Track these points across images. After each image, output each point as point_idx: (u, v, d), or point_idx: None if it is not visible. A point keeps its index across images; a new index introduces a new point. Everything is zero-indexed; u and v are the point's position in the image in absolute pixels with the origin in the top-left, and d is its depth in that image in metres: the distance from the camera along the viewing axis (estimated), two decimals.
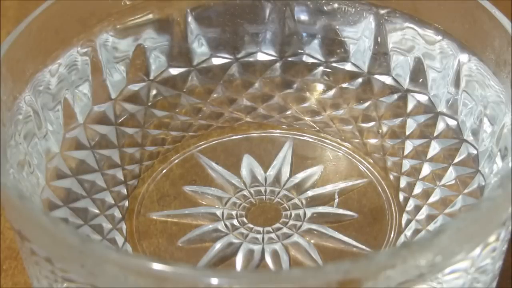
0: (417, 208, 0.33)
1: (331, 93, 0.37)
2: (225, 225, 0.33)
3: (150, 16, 0.36)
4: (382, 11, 0.36)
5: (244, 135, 0.37)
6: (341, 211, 0.33)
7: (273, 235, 0.32)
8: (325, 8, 0.37)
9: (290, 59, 0.38)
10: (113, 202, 0.34)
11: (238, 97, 0.38)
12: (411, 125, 0.36)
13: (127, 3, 0.36)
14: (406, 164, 0.35)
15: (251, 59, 0.38)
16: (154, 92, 0.37)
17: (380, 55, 0.36)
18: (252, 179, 0.35)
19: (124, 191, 0.34)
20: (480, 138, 0.32)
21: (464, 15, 0.32)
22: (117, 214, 0.33)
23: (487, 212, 0.23)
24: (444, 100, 0.35)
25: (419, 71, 0.35)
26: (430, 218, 0.32)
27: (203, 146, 0.37)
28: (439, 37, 0.34)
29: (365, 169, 0.35)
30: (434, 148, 0.34)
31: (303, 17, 0.38)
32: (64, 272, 0.25)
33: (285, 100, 0.38)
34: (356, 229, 0.33)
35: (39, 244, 0.25)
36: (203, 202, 0.34)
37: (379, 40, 0.36)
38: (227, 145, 0.37)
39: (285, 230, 0.33)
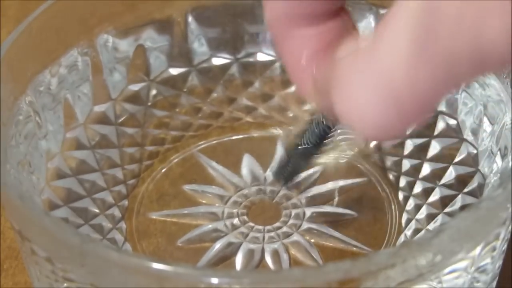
0: (417, 208, 0.33)
1: None
2: (225, 224, 0.33)
3: (150, 16, 0.36)
4: (382, 11, 0.36)
5: (244, 135, 0.37)
6: (341, 210, 0.33)
7: (273, 235, 0.33)
8: None
9: None
10: (113, 201, 0.34)
11: (238, 97, 0.38)
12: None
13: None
14: (406, 163, 0.35)
15: (251, 59, 0.38)
16: (154, 92, 0.37)
17: None
18: (253, 178, 0.35)
19: (124, 191, 0.34)
20: (480, 137, 0.32)
21: None
22: (117, 213, 0.33)
23: (487, 211, 0.23)
24: (444, 99, 0.35)
25: None
26: (430, 217, 0.32)
27: (203, 146, 0.37)
28: None
29: (365, 168, 0.35)
30: (434, 148, 0.34)
31: None
32: (65, 271, 0.25)
33: (285, 100, 0.38)
34: (356, 228, 0.33)
35: (39, 244, 0.25)
36: (203, 201, 0.34)
37: None
38: (227, 145, 0.37)
39: (285, 229, 0.33)
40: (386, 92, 0.20)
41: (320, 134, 0.27)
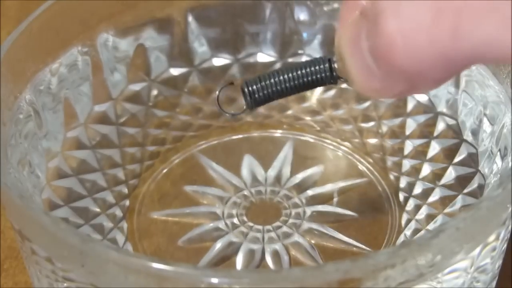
0: (417, 208, 0.33)
1: (331, 93, 0.38)
2: (226, 224, 0.33)
3: (150, 15, 0.36)
4: None
5: (245, 135, 0.37)
6: (341, 210, 0.33)
7: (273, 235, 0.33)
8: (325, 8, 0.37)
9: (290, 59, 0.38)
10: (113, 201, 0.34)
11: (238, 97, 0.38)
12: (411, 125, 0.36)
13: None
14: (406, 164, 0.35)
15: (251, 59, 0.38)
16: (154, 92, 0.37)
17: None
18: (253, 179, 0.35)
19: (125, 191, 0.34)
20: (479, 138, 0.32)
21: None
22: (118, 213, 0.33)
23: (487, 212, 0.23)
24: (444, 100, 0.35)
25: None
26: (430, 217, 0.32)
27: (203, 146, 0.37)
28: None
29: (365, 169, 0.35)
30: (434, 148, 0.34)
31: (303, 17, 0.38)
32: (65, 271, 0.25)
33: (286, 100, 0.38)
34: (356, 228, 0.33)
35: (39, 243, 0.25)
36: (203, 202, 0.34)
37: None
38: (228, 145, 0.37)
39: (285, 229, 0.33)
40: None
41: (320, 78, 0.26)
